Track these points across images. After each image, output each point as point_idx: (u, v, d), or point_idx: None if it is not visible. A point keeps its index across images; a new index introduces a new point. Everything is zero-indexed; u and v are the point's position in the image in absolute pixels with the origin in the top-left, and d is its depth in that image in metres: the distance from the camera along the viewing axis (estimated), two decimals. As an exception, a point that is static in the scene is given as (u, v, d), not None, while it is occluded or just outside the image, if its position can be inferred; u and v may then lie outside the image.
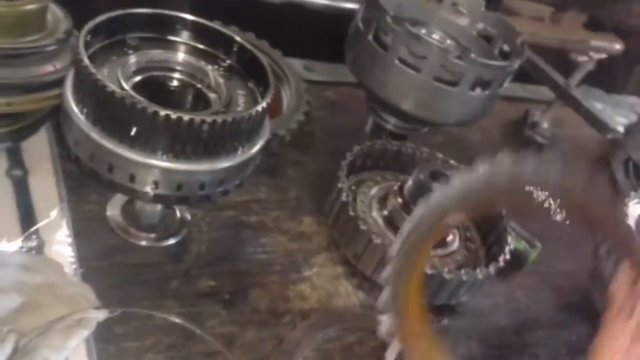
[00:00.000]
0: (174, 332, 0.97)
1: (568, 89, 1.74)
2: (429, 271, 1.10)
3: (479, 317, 1.24)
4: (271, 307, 1.08)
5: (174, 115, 0.81)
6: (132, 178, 0.90)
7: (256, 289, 1.10)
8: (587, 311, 1.33)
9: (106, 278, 1.01)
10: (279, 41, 1.63)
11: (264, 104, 0.90)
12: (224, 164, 0.92)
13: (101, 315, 0.92)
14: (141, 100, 0.82)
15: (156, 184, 0.90)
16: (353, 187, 1.31)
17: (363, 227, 1.14)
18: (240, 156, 0.94)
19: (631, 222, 1.20)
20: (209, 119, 0.83)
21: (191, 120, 0.82)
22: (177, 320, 0.98)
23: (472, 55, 1.24)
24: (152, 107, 0.82)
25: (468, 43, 1.50)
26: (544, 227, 1.44)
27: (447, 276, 1.12)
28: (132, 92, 0.87)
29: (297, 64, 1.70)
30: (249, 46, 1.01)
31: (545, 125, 1.85)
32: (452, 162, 1.39)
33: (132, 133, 0.84)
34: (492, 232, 1.32)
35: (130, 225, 1.09)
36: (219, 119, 0.84)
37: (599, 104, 1.92)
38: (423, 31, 1.41)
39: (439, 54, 1.24)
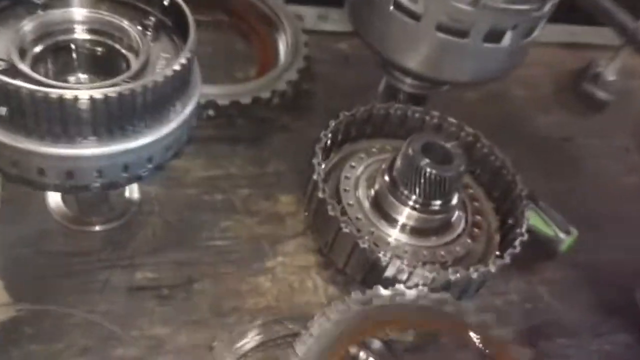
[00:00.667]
0: (92, 332, 0.86)
1: (638, 32, 1.41)
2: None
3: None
4: (216, 304, 0.94)
5: (39, 94, 0.66)
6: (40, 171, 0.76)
7: (203, 282, 0.96)
8: (629, 315, 1.08)
9: (29, 268, 0.91)
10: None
11: (167, 73, 0.73)
12: (133, 143, 0.77)
13: (5, 314, 0.82)
14: (5, 80, 0.67)
15: (70, 174, 0.76)
16: (338, 161, 1.12)
17: (332, 212, 0.96)
18: (157, 130, 0.78)
19: None
20: (84, 95, 0.68)
21: (61, 97, 0.67)
22: (97, 319, 0.86)
23: (483, -2, 0.99)
24: (17, 85, 0.67)
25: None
26: (586, 209, 1.19)
27: (452, 277, 0.92)
28: (23, 68, 0.73)
29: (310, 12, 1.50)
30: (177, -1, 0.83)
31: (611, 77, 1.53)
32: (467, 128, 1.15)
33: (16, 118, 0.70)
34: (511, 215, 1.09)
35: (71, 207, 0.98)
36: (98, 95, 0.68)
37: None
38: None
39: (439, -3, 1.00)
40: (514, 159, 1.14)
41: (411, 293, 0.92)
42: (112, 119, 0.72)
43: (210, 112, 1.16)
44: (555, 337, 1.04)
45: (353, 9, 1.17)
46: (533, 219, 1.11)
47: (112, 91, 0.69)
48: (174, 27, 0.85)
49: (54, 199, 0.99)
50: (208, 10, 1.38)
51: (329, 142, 1.08)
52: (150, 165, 0.80)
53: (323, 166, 1.06)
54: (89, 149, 0.74)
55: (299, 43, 1.31)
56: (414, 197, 1.02)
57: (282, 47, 1.33)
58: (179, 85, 0.78)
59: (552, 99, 1.51)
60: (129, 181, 0.81)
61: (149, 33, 0.84)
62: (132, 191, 1.02)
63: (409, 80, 1.23)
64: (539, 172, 1.29)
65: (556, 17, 1.71)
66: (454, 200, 1.05)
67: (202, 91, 1.12)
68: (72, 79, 0.87)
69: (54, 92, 0.67)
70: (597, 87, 1.51)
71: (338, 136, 1.13)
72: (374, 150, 1.15)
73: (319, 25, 1.48)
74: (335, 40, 1.47)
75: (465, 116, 1.25)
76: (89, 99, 0.69)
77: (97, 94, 0.69)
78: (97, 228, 0.98)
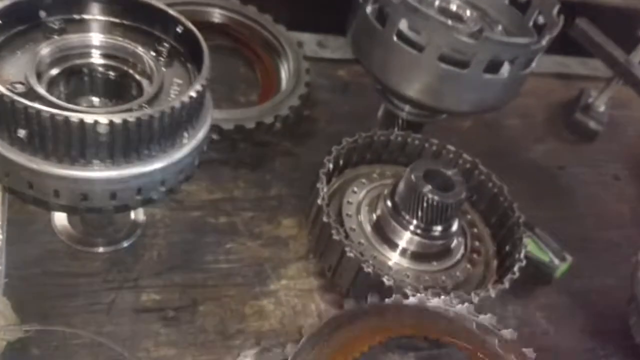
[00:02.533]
0: (98, 353, 0.86)
1: (629, 65, 1.46)
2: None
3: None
4: (221, 327, 0.94)
5: (59, 117, 0.68)
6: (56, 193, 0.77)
7: (208, 304, 0.96)
8: (622, 341, 1.11)
9: (35, 289, 0.91)
10: (291, 14, 1.46)
11: (184, 99, 0.75)
12: (148, 166, 0.78)
13: (12, 334, 0.82)
14: (26, 103, 0.68)
15: (85, 196, 0.77)
16: (339, 186, 1.14)
17: (336, 236, 0.97)
18: (170, 154, 0.79)
19: None
20: (104, 120, 0.69)
21: (81, 121, 0.69)
22: (103, 340, 0.87)
23: (485, 32, 1.03)
24: (37, 109, 0.68)
25: (497, 13, 1.27)
26: (579, 236, 1.22)
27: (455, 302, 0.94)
28: (40, 91, 0.74)
29: (310, 39, 1.53)
30: (190, 25, 0.85)
31: (602, 108, 1.58)
32: (465, 156, 1.18)
33: (34, 140, 0.72)
34: (508, 241, 1.11)
35: (77, 228, 0.99)
36: (117, 119, 0.70)
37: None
38: (437, 1, 1.19)
39: (443, 30, 1.03)
40: (510, 187, 1.17)
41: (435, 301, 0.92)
42: (129, 143, 0.73)
43: (215, 136, 1.18)
44: (551, 363, 1.06)
45: (355, 37, 1.20)
46: (529, 245, 1.14)
47: (130, 116, 0.71)
48: (186, 54, 0.87)
49: (59, 219, 0.99)
50: (212, 36, 1.40)
51: (331, 167, 1.10)
52: (163, 189, 0.82)
53: (326, 190, 1.09)
54: (105, 172, 0.75)
55: (300, 69, 1.33)
56: (415, 222, 1.04)
57: (284, 74, 1.35)
58: (193, 111, 0.79)
59: (545, 128, 1.55)
60: (142, 204, 0.82)
61: (162, 59, 0.86)
62: (138, 213, 1.03)
63: (407, 107, 1.26)
64: (534, 199, 1.32)
65: (550, 48, 1.77)
66: (455, 227, 1.07)
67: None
68: (84, 101, 0.89)
69: (74, 116, 0.69)
70: (588, 117, 1.55)
71: (340, 161, 1.15)
72: (374, 175, 1.17)
73: (319, 52, 1.51)
74: (334, 68, 1.50)
75: (459, 144, 1.28)
76: (108, 124, 0.70)
77: (117, 118, 0.70)
78: (103, 249, 0.99)
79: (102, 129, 0.70)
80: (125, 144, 0.73)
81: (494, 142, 1.47)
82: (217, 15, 1.41)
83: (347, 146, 1.13)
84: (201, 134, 0.83)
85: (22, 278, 0.91)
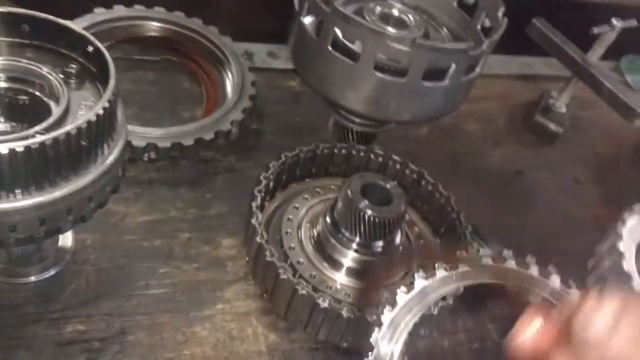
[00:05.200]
0: (17, 392, 0.82)
1: (587, 65, 1.43)
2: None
3: (430, 361, 1.01)
4: (151, 357, 0.90)
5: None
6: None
7: (137, 333, 0.92)
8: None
9: (-50, 325, 0.87)
10: (238, 25, 1.43)
11: (80, 124, 0.71)
12: (48, 195, 0.74)
13: None
14: None
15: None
16: (281, 202, 1.10)
17: (270, 258, 0.93)
18: (75, 181, 0.75)
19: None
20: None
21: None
22: (21, 378, 0.83)
23: (418, 39, 0.99)
24: None
25: (445, 17, 1.24)
26: (537, 244, 1.18)
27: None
28: None
29: (260, 50, 1.49)
30: (98, 44, 0.82)
31: (562, 109, 1.54)
32: (412, 166, 1.15)
33: None
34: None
35: (0, 259, 0.95)
36: (3, 150, 0.66)
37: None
38: (379, 7, 1.15)
39: (376, 38, 1.00)
40: (464, 195, 1.14)
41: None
42: (21, 173, 0.69)
43: (152, 155, 1.14)
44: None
45: (294, 50, 1.16)
46: (478, 255, 1.10)
47: (19, 145, 0.67)
48: (97, 74, 0.83)
49: (-19, 250, 0.95)
50: (155, 51, 1.37)
51: (271, 183, 1.07)
52: (70, 217, 0.78)
53: (264, 209, 1.05)
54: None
55: (245, 82, 1.29)
56: (355, 239, 1.00)
57: (229, 87, 1.32)
58: (98, 134, 0.75)
59: (504, 132, 1.51)
60: (49, 234, 0.78)
61: (72, 81, 0.82)
62: (66, 239, 0.99)
63: (356, 118, 1.22)
64: (489, 207, 1.29)
65: (513, 49, 1.74)
66: (397, 241, 1.03)
67: (143, 133, 1.13)
68: (-5, 127, 0.85)
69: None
70: (548, 119, 1.51)
71: (282, 177, 1.12)
72: (317, 190, 1.13)
73: (269, 63, 1.47)
74: (285, 78, 1.46)
75: (416, 152, 1.24)
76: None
77: (3, 148, 0.66)
78: (29, 279, 0.94)
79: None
80: (18, 174, 0.69)
81: (452, 148, 1.43)
82: (160, 29, 1.37)
83: (288, 161, 1.10)
84: (110, 158, 0.79)
85: None
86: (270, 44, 1.51)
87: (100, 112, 0.73)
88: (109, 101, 0.75)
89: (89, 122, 0.72)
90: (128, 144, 0.88)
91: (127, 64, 1.32)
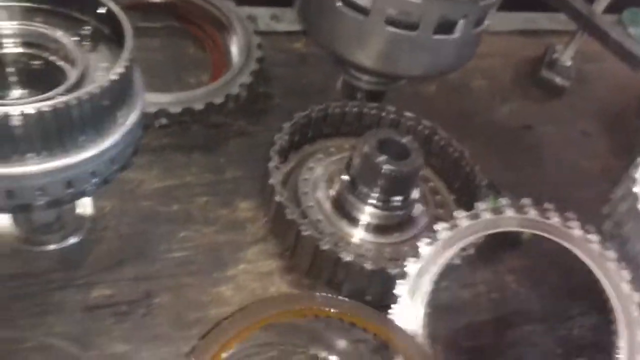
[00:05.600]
0: (50, 355, 0.83)
1: (592, 16, 1.42)
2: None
3: (451, 312, 1.02)
4: (178, 317, 0.91)
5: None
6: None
7: (163, 296, 0.93)
8: (596, 297, 1.08)
9: (-22, 293, 0.87)
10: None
11: (103, 83, 0.70)
12: (75, 157, 0.74)
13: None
14: None
15: (10, 193, 0.73)
16: (296, 163, 1.10)
17: (290, 216, 0.94)
18: (99, 143, 0.75)
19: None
20: (15, 111, 0.65)
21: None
22: (54, 341, 0.84)
23: (429, -11, 0.98)
24: None
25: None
26: (548, 196, 1.19)
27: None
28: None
29: (263, 13, 1.48)
30: (111, 5, 0.80)
31: (568, 62, 1.54)
32: (424, 122, 1.15)
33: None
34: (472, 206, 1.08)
35: (21, 227, 0.95)
36: (30, 110, 0.65)
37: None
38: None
39: (386, -10, 0.99)
40: (475, 150, 1.14)
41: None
42: (48, 134, 0.69)
43: (163, 121, 1.14)
44: (522, 325, 1.03)
45: (302, 9, 1.15)
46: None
47: (45, 106, 0.67)
48: (111, 36, 0.82)
49: (2, 219, 0.95)
50: (158, 16, 1.36)
51: (285, 144, 1.07)
52: (95, 180, 0.77)
53: (280, 169, 1.05)
54: (28, 167, 0.70)
55: (251, 45, 1.28)
56: (373, 194, 1.01)
57: (234, 51, 1.30)
58: (118, 95, 0.75)
59: (511, 88, 1.51)
60: (74, 197, 0.78)
61: (86, 43, 0.81)
62: (85, 206, 0.99)
63: (365, 77, 1.22)
64: (500, 161, 1.29)
65: (514, 5, 1.73)
66: (414, 195, 1.04)
67: (153, 99, 1.12)
68: (10, 95, 0.84)
69: (-11, 110, 0.64)
70: (554, 72, 1.51)
71: (295, 138, 1.12)
72: (331, 150, 1.13)
73: (273, 26, 1.46)
74: (290, 40, 1.45)
75: (425, 109, 1.24)
76: (20, 115, 0.66)
77: (30, 109, 0.66)
78: (50, 247, 0.95)
79: (15, 122, 0.66)
80: (45, 135, 0.69)
81: (460, 105, 1.43)
82: (162, -5, 1.35)
83: (300, 121, 1.10)
84: (131, 119, 0.78)
85: (-37, 283, 0.88)
86: (273, 7, 1.50)
87: (122, 70, 0.73)
88: (128, 60, 0.74)
89: (111, 82, 0.71)
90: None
91: (131, 32, 1.30)
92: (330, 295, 0.88)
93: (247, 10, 1.41)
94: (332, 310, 0.85)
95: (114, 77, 0.72)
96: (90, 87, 0.70)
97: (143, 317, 0.90)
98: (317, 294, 0.88)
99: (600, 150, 1.41)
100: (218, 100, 1.16)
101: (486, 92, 1.49)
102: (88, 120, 0.72)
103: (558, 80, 1.50)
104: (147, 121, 1.10)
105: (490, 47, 1.52)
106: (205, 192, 1.08)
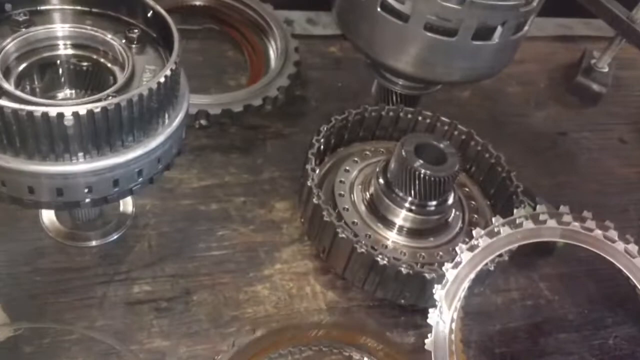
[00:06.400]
0: (91, 348, 0.85)
1: (631, 22, 1.41)
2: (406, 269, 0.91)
3: (484, 318, 1.02)
4: (215, 315, 0.93)
5: (22, 112, 0.66)
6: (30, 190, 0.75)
7: (201, 293, 0.95)
8: (631, 307, 1.08)
9: (25, 286, 0.90)
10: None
11: (152, 85, 0.72)
12: (122, 157, 0.76)
13: (2, 334, 0.81)
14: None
15: (60, 191, 0.75)
16: (331, 166, 1.11)
17: (327, 218, 0.95)
18: (145, 143, 0.77)
19: None
20: (68, 112, 0.67)
21: (44, 115, 0.67)
22: (95, 334, 0.86)
23: (471, -5, 0.99)
24: (3, 106, 0.67)
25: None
26: (583, 203, 1.18)
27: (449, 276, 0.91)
28: (6, 86, 0.73)
29: (299, 17, 1.49)
30: (159, 8, 0.83)
31: (605, 69, 1.52)
32: (460, 127, 1.15)
33: (2, 137, 0.70)
34: (507, 212, 1.08)
35: (65, 224, 0.98)
36: (82, 110, 0.68)
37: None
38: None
39: (425, -4, 0.99)
40: (510, 156, 1.14)
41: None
42: (98, 134, 0.71)
43: (203, 122, 1.16)
44: (556, 333, 1.03)
45: (340, 13, 1.16)
46: (530, 215, 1.11)
47: (96, 106, 0.69)
48: (158, 39, 0.85)
49: (47, 215, 0.98)
50: (198, 20, 1.39)
51: (321, 147, 1.08)
52: (140, 179, 0.80)
53: (317, 171, 1.06)
54: (78, 166, 0.73)
55: (289, 49, 1.30)
56: (409, 198, 1.01)
57: (272, 54, 1.33)
58: (165, 97, 0.77)
59: (546, 93, 1.50)
60: (121, 196, 0.80)
61: (133, 46, 0.83)
62: (127, 204, 1.02)
63: (400, 81, 1.22)
64: (535, 167, 1.29)
65: (549, 11, 1.71)
66: (450, 200, 1.04)
67: (193, 101, 1.13)
68: (60, 95, 0.87)
69: (38, 110, 0.67)
70: (590, 79, 1.50)
71: (331, 140, 1.13)
72: (367, 153, 1.14)
73: (310, 30, 1.48)
74: (325, 44, 1.46)
75: (459, 115, 1.24)
76: (73, 116, 0.68)
77: (82, 109, 0.68)
78: (93, 243, 0.97)
79: (67, 122, 0.68)
80: (95, 135, 0.71)
81: (494, 110, 1.43)
82: (201, -1, 1.38)
83: (337, 124, 1.10)
84: (177, 120, 0.81)
85: (11, 277, 0.91)
86: (309, 11, 1.51)
87: (169, 73, 0.75)
88: (175, 62, 0.76)
89: (159, 84, 0.74)
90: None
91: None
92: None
93: (284, 13, 1.43)
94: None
95: (161, 79, 0.74)
96: (139, 89, 0.72)
97: (181, 313, 0.92)
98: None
99: (637, 158, 1.39)
100: (256, 102, 1.18)
101: (521, 98, 1.48)
102: (136, 120, 0.74)
103: (595, 86, 1.48)
104: (187, 122, 1.14)
105: (525, 53, 1.51)
106: (243, 192, 1.10)
